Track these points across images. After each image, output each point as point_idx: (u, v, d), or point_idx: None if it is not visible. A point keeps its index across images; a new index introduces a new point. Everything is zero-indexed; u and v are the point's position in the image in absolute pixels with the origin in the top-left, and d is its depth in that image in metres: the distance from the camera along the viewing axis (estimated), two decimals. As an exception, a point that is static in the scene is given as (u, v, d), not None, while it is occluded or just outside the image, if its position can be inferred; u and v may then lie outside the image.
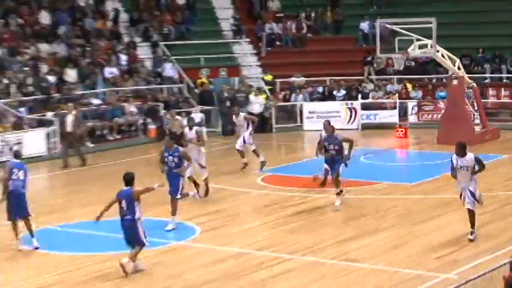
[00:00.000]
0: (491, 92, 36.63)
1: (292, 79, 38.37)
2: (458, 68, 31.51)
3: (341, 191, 20.83)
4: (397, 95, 36.31)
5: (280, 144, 34.07)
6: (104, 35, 38.26)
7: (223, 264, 16.60)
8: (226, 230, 19.42)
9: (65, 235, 19.29)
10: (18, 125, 30.80)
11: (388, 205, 21.31)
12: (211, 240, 18.45)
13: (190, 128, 22.81)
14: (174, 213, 19.23)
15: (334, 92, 37.02)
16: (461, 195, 17.40)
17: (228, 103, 35.39)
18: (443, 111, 33.15)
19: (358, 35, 41.18)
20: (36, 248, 17.62)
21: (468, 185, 17.17)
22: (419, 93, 36.68)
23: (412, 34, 30.60)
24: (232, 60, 39.80)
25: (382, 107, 36.03)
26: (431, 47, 30.48)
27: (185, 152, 19.67)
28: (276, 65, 39.24)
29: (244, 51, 40.53)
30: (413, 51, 31.00)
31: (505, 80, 37.76)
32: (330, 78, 37.91)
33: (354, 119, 35.59)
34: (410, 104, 35.81)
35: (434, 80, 38.14)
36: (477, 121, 32.62)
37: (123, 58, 37.30)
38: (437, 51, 30.71)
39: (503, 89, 36.73)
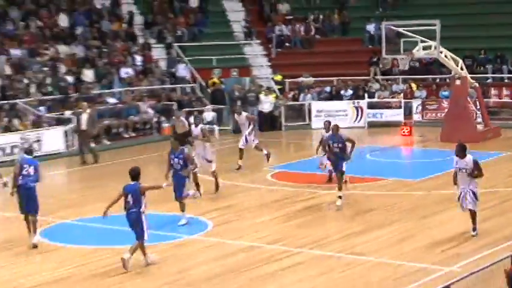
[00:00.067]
0: (493, 91, 36.52)
1: (301, 79, 38.32)
2: (461, 69, 31.44)
3: (339, 196, 20.40)
4: (402, 94, 36.23)
5: (289, 142, 34.02)
6: (119, 37, 38.29)
7: (234, 258, 16.57)
8: (237, 225, 19.39)
9: (81, 229, 19.29)
10: (37, 123, 30.85)
11: (393, 201, 21.26)
12: (222, 234, 18.42)
13: (196, 125, 22.90)
14: (182, 209, 19.16)
15: (342, 92, 36.97)
16: (459, 196, 17.24)
17: (239, 102, 35.35)
18: (446, 110, 33.04)
19: (364, 37, 41.10)
20: (35, 247, 17.37)
21: (467, 186, 17.01)
22: (424, 93, 36.59)
23: (416, 36, 30.58)
24: (243, 61, 39.77)
25: (387, 106, 35.97)
26: (435, 48, 30.42)
27: (189, 155, 19.59)
28: (285, 66, 39.20)
29: (254, 52, 40.50)
30: (418, 52, 30.96)
31: (506, 80, 37.66)
32: (337, 78, 37.87)
33: (361, 117, 35.52)
34: (415, 103, 35.72)
35: (438, 80, 38.03)
36: (479, 119, 32.52)
37: (138, 59, 37.31)
38: (441, 52, 30.64)
39: (504, 88, 36.63)
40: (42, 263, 16.62)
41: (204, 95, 36.85)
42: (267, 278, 15.20)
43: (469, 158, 16.97)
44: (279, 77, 38.43)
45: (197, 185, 21.44)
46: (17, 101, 31.53)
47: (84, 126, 28.64)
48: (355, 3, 43.59)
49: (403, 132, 32.98)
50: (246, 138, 26.00)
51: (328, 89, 37.58)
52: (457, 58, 31.56)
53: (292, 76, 38.42)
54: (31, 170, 17.54)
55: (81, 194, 23.49)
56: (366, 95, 36.22)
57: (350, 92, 36.77)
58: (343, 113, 35.53)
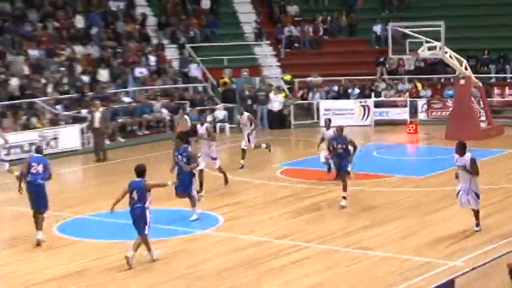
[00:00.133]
0: (496, 91, 36.42)
1: (310, 79, 38.27)
2: (465, 68, 31.38)
3: (344, 197, 20.22)
4: (407, 93, 36.16)
5: (298, 140, 33.98)
6: (134, 38, 38.30)
7: (244, 252, 16.57)
8: (247, 220, 19.38)
9: (96, 224, 19.30)
10: (54, 121, 30.91)
11: (399, 197, 21.22)
12: (233, 230, 18.42)
13: (201, 124, 22.81)
14: (194, 205, 19.08)
15: (349, 91, 36.94)
16: (458, 193, 17.16)
17: (249, 101, 35.40)
18: (451, 108, 33.01)
19: (371, 38, 40.99)
20: (38, 244, 17.22)
21: (468, 185, 16.92)
22: (429, 92, 36.51)
23: (422, 37, 30.50)
24: (254, 61, 39.72)
25: (393, 104, 35.90)
26: (440, 48, 30.35)
27: (193, 153, 19.42)
28: (294, 66, 39.16)
29: (264, 52, 40.44)
30: (423, 52, 30.89)
31: (509, 80, 37.53)
32: (344, 77, 37.82)
33: (368, 116, 35.48)
34: (420, 102, 35.67)
35: (442, 80, 37.94)
36: (483, 118, 32.43)
37: (152, 59, 37.32)
38: (446, 53, 30.58)
39: (507, 88, 36.52)
40: (58, 256, 16.63)
41: (216, 94, 36.84)
42: (275, 272, 15.18)
43: (467, 155, 16.90)
44: (288, 77, 38.39)
45: (201, 184, 21.40)
46: (35, 99, 31.58)
47: (97, 124, 28.70)
48: (362, 5, 43.49)
49: (409, 130, 32.94)
50: (248, 139, 25.89)
51: (336, 88, 37.53)
52: (461, 58, 31.50)
53: (301, 76, 38.39)
54: (40, 168, 17.31)
55: (96, 190, 23.51)
56: (373, 94, 36.16)
57: (357, 91, 36.74)
58: (350, 112, 35.53)
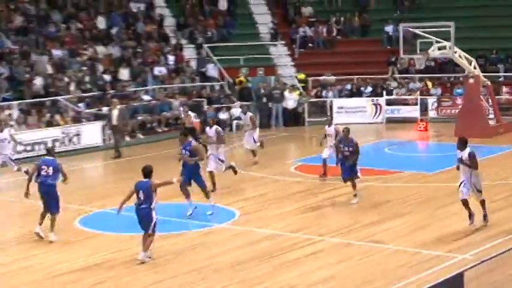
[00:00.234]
0: (504, 89, 36.20)
1: (323, 77, 38.16)
2: (474, 68, 31.25)
3: (355, 195, 20.11)
4: (418, 92, 36.02)
5: (312, 136, 33.73)
6: (153, 38, 38.31)
7: (259, 245, 16.53)
8: (262, 214, 19.34)
9: (117, 217, 19.25)
10: (77, 119, 30.97)
11: (409, 192, 21.13)
12: (248, 223, 18.39)
13: (211, 126, 22.20)
14: (207, 197, 19.01)
15: (361, 89, 36.81)
16: (459, 185, 16.93)
17: (264, 99, 35.34)
18: (460, 106, 32.84)
19: (383, 38, 40.82)
20: (51, 241, 17.06)
21: (468, 178, 16.76)
22: (439, 90, 36.36)
23: (432, 37, 30.37)
24: (269, 61, 39.62)
25: (404, 102, 35.78)
26: (449, 48, 30.22)
27: (196, 146, 19.20)
28: (308, 65, 39.08)
29: (279, 52, 40.36)
30: (433, 52, 30.76)
31: (517, 78, 37.36)
32: (357, 76, 37.70)
33: (379, 113, 35.37)
34: (431, 100, 35.50)
35: (452, 79, 37.75)
36: (491, 116, 32.25)
37: (171, 58, 37.30)
38: (455, 52, 30.43)
39: (515, 86, 36.36)
40: (80, 249, 16.65)
41: (232, 92, 36.78)
42: (289, 265, 15.14)
43: (466, 150, 16.83)
44: (302, 76, 38.31)
45: (214, 184, 21.21)
46: (58, 98, 31.64)
47: (115, 122, 28.73)
48: (374, 6, 43.32)
49: (419, 127, 32.82)
50: (254, 139, 25.72)
51: (348, 86, 37.41)
52: (471, 58, 31.36)
53: (314, 75, 38.30)
54: (50, 171, 17.05)
55: (117, 185, 23.48)
56: (384, 93, 36.05)
57: (369, 89, 36.61)
58: (362, 110, 35.47)
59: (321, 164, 22.72)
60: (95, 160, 28.46)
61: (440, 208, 19.10)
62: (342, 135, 20.76)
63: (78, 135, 29.74)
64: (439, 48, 30.54)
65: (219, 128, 22.27)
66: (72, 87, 32.50)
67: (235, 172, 22.15)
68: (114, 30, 37.44)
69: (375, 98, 35.76)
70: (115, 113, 28.74)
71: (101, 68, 34.60)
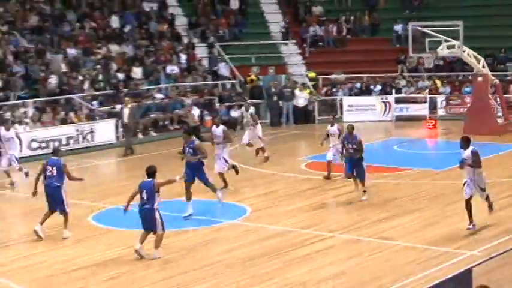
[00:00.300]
0: (512, 88, 36.11)
1: (333, 76, 38.11)
2: (483, 66, 31.14)
3: (364, 191, 20.01)
4: (427, 90, 35.93)
5: (322, 134, 33.72)
6: (166, 37, 38.34)
7: (270, 241, 16.54)
8: (273, 210, 19.35)
9: (130, 214, 19.25)
10: (90, 117, 31.04)
11: (418, 189, 21.10)
12: (259, 220, 18.40)
13: (217, 126, 21.99)
14: (214, 190, 18.98)
15: (371, 88, 36.75)
16: (464, 184, 16.73)
17: (275, 97, 35.32)
18: (469, 105, 32.74)
19: (392, 37, 40.76)
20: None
21: (472, 177, 16.53)
22: (448, 89, 36.26)
23: (441, 36, 30.28)
24: (280, 59, 39.62)
25: (414, 101, 35.68)
26: (458, 47, 30.14)
27: (199, 145, 18.93)
28: (318, 64, 39.03)
29: (290, 51, 40.34)
30: (442, 51, 30.67)
31: (525, 77, 37.20)
32: (367, 75, 37.63)
33: (389, 111, 35.31)
34: (439, 99, 35.40)
35: (461, 77, 37.62)
36: (500, 114, 32.13)
37: (183, 57, 37.32)
38: (464, 51, 30.36)
39: (523, 85, 36.19)
40: (94, 244, 16.71)
41: (243, 90, 36.79)
42: (299, 261, 15.14)
43: (469, 149, 16.60)
44: (312, 74, 38.27)
45: (225, 181, 21.16)
46: (72, 96, 31.73)
47: (126, 120, 28.77)
48: (384, 5, 43.24)
49: (428, 125, 32.77)
50: (259, 136, 25.59)
51: (358, 85, 37.35)
52: (479, 56, 31.25)
53: (325, 73, 38.24)
54: (54, 171, 16.99)
55: (130, 182, 23.41)
56: (394, 91, 35.99)
57: (379, 88, 36.56)
58: (372, 108, 35.43)
59: (326, 165, 22.65)
60: (108, 157, 28.50)
61: (449, 205, 19.04)
62: (346, 132, 20.63)
63: (91, 132, 29.81)
64: (448, 47, 30.46)
65: (226, 128, 22.16)
66: (86, 85, 32.57)
67: (237, 172, 21.98)
68: (127, 29, 37.49)
69: (385, 96, 35.70)
70: (126, 111, 28.80)
71: (114, 66, 34.65)
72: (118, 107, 30.91)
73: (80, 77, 32.83)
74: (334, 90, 37.00)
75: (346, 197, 20.40)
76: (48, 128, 29.15)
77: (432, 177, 22.56)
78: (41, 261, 15.72)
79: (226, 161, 21.39)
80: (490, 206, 17.06)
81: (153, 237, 15.56)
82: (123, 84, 33.63)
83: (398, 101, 35.50)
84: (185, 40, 38.97)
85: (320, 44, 41.07)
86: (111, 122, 30.54)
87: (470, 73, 34.88)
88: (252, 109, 27.41)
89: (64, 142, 28.79)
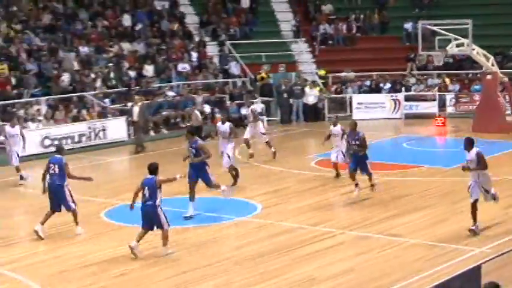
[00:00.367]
0: (522, 85, 35.95)
1: (343, 74, 38.06)
2: (492, 64, 31.03)
3: (373, 185, 19.91)
4: (436, 88, 35.84)
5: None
6: (177, 35, 38.35)
7: (279, 238, 16.52)
8: (283, 207, 19.33)
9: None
10: (102, 114, 31.08)
11: (427, 186, 21.04)
12: (270, 216, 18.38)
13: (223, 122, 22.02)
14: (218, 187, 18.71)
15: (381, 85, 36.67)
16: (469, 187, 16.49)
17: (285, 95, 35.28)
18: (478, 102, 32.63)
19: (402, 35, 40.66)
20: (77, 234, 17.11)
21: (477, 178, 16.23)
22: (457, 87, 36.13)
23: (450, 34, 30.19)
24: (290, 57, 39.59)
25: (423, 98, 35.57)
26: (467, 45, 30.05)
27: (202, 145, 18.69)
28: (328, 62, 38.98)
29: (300, 49, 40.30)
30: (452, 49, 30.59)
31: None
32: (376, 73, 37.54)
33: (398, 109, 35.23)
34: (449, 96, 35.29)
35: (470, 75, 37.47)
36: (508, 112, 32.03)
37: (194, 55, 37.34)
38: (473, 49, 30.26)
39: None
40: (106, 241, 16.73)
41: (254, 88, 36.76)
42: (309, 257, 15.12)
43: (473, 151, 16.27)
44: (322, 72, 38.23)
45: (233, 177, 21.10)
46: (85, 93, 31.79)
47: (135, 118, 28.78)
48: (393, 3, 43.13)
49: (437, 123, 32.68)
50: (261, 132, 25.47)
51: (368, 83, 37.29)
52: (488, 55, 31.16)
53: (334, 71, 38.19)
54: (56, 169, 16.95)
55: (142, 178, 23.51)
56: (403, 89, 35.91)
57: (388, 85, 36.48)
58: (381, 105, 35.35)
59: (332, 166, 22.52)
60: (121, 154, 28.53)
61: (458, 202, 18.95)
62: (349, 129, 20.43)
63: (104, 130, 29.84)
64: (457, 45, 30.38)
65: (232, 124, 22.13)
66: (98, 83, 32.63)
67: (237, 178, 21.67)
68: (139, 28, 37.53)
69: (394, 94, 35.62)
70: (135, 109, 28.81)
71: (126, 64, 34.71)
72: (129, 104, 30.95)
73: (92, 75, 32.89)
74: (344, 87, 36.94)
75: (356, 194, 20.31)
76: (61, 126, 29.20)
77: (442, 175, 22.49)
78: (54, 257, 15.76)
79: (229, 157, 21.28)
80: (494, 197, 16.66)
81: (149, 236, 15.47)
82: (135, 82, 33.68)
83: (407, 98, 35.42)
84: (196, 38, 38.98)
85: (330, 42, 41.03)
86: (122, 120, 30.56)
87: (479, 71, 34.75)
88: (255, 106, 27.24)
89: (76, 139, 28.88)
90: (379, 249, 15.48)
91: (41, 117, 29.35)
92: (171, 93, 34.18)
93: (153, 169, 15.54)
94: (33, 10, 36.00)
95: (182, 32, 38.81)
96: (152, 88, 33.80)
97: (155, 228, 15.45)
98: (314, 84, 36.23)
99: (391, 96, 35.57)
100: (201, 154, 18.30)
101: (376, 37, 41.52)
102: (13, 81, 31.11)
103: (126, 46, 35.89)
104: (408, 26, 40.00)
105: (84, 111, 30.65)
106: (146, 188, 15.34)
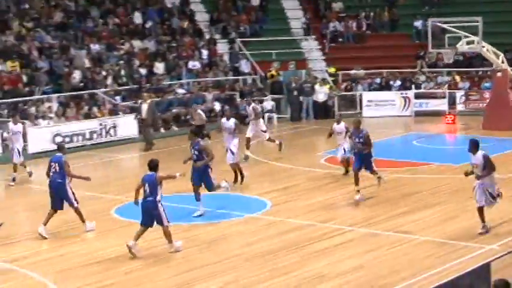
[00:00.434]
0: (532, 83, 35.76)
1: (353, 71, 37.95)
2: (502, 62, 30.89)
3: (379, 177, 19.61)
4: (446, 85, 35.69)
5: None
6: (187, 33, 38.32)
7: (289, 235, 16.45)
8: (293, 205, 19.26)
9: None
10: (113, 111, 31.08)
11: (437, 184, 20.93)
12: (280, 214, 18.32)
13: (228, 119, 21.95)
14: (218, 188, 18.50)
15: (391, 83, 36.54)
16: (473, 189, 16.16)
17: (295, 92, 35.19)
18: (488, 100, 32.48)
19: (412, 32, 40.52)
20: (88, 231, 17.05)
21: (482, 184, 15.85)
22: (467, 84, 35.96)
23: (460, 31, 30.04)
24: (300, 55, 39.52)
25: (433, 96, 35.44)
26: (477, 43, 29.89)
27: (204, 146, 18.52)
28: (338, 59, 38.88)
29: (310, 47, 40.23)
30: (462, 46, 30.44)
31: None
32: (386, 70, 37.40)
33: (408, 106, 35.09)
34: (459, 94, 35.13)
35: (480, 73, 37.29)
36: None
37: (205, 53, 37.30)
38: (483, 47, 30.10)
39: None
40: (116, 237, 16.68)
41: (264, 86, 36.70)
42: (318, 254, 15.05)
43: (479, 154, 15.93)
44: (332, 70, 38.15)
45: (235, 174, 20.97)
46: (96, 91, 31.80)
47: (144, 115, 28.73)
48: (403, 1, 42.99)
49: (447, 120, 32.53)
50: (262, 130, 25.29)
51: (378, 80, 37.16)
52: (498, 52, 31.00)
53: (344, 68, 38.06)
54: (57, 167, 16.88)
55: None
56: (413, 86, 35.77)
57: (398, 83, 36.34)
58: (391, 103, 35.24)
59: (341, 163, 22.40)
60: (131, 151, 28.52)
61: (468, 199, 18.70)
62: (353, 127, 20.04)
63: (114, 127, 29.83)
64: (467, 43, 30.22)
65: (237, 121, 22.09)
66: (109, 80, 32.63)
67: (242, 177, 21.56)
68: (149, 25, 37.52)
69: (404, 92, 35.48)
70: (144, 107, 28.77)
71: (136, 62, 34.70)
72: (139, 102, 30.96)
73: (103, 72, 32.90)
74: (353, 85, 36.84)
75: (365, 191, 20.22)
76: (72, 123, 29.21)
77: (451, 172, 22.33)
78: (62, 254, 15.75)
79: (232, 153, 21.17)
80: (499, 196, 16.33)
81: (159, 232, 15.43)
82: (146, 79, 33.67)
83: (417, 96, 35.28)
84: (206, 36, 38.94)
85: (340, 39, 40.93)
86: (133, 117, 30.52)
87: (489, 68, 34.59)
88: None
89: (87, 136, 28.89)
90: (388, 247, 15.40)
91: (52, 115, 29.37)
92: (181, 91, 34.16)
93: (153, 166, 15.50)
94: (45, 8, 36.03)
95: (192, 30, 38.79)
96: (162, 85, 33.79)
97: (155, 224, 15.35)
98: (324, 81, 36.13)
99: (401, 93, 35.44)
100: (204, 156, 18.04)
101: (386, 35, 41.39)
102: (24, 78, 31.15)
103: (136, 44, 35.89)
104: (418, 23, 39.86)
105: (95, 109, 30.66)
106: (147, 184, 15.32)
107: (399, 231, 16.41)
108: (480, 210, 16.02)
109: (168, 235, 15.36)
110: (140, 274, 14.41)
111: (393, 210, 18.19)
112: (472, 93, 35.14)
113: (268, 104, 34.40)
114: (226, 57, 38.21)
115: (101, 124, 29.57)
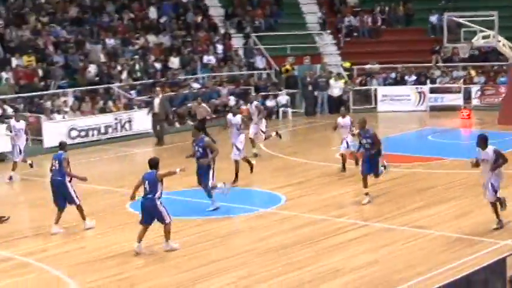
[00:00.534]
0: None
1: (368, 66, 37.83)
2: (518, 56, 30.72)
3: (384, 166, 18.97)
4: (462, 80, 35.51)
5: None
6: (203, 27, 38.30)
7: (303, 230, 16.39)
8: (307, 199, 19.20)
9: (166, 201, 19.18)
10: (128, 106, 31.11)
11: (453, 179, 20.80)
12: (294, 208, 18.26)
13: (234, 115, 21.84)
14: (209, 195, 17.99)
15: (406, 78, 36.40)
16: (483, 185, 16.02)
17: (310, 87, 35.12)
18: (503, 95, 32.29)
19: (427, 27, 40.34)
20: (87, 229, 16.93)
21: (489, 180, 15.70)
22: (482, 79, 35.77)
23: (476, 26, 29.88)
24: (315, 50, 39.45)
25: (448, 91, 35.25)
26: (493, 37, 29.74)
27: (208, 142, 18.12)
28: (353, 54, 38.79)
29: (325, 41, 40.13)
30: (477, 41, 30.33)
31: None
32: (401, 65, 37.25)
33: (423, 101, 34.95)
34: (474, 89, 34.94)
35: (495, 67, 37.07)
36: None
37: (219, 47, 37.28)
38: (499, 41, 29.93)
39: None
40: (131, 232, 16.59)
41: (279, 80, 36.64)
42: (332, 249, 14.98)
43: (489, 149, 15.69)
44: (347, 64, 38.06)
45: (236, 175, 20.75)
46: (111, 85, 31.84)
47: (156, 110, 28.69)
48: (418, -5, 42.87)
49: (463, 115, 32.37)
50: (261, 131, 24.84)
51: (393, 75, 37.03)
52: (514, 46, 30.84)
53: (359, 63, 37.98)
54: (57, 165, 16.82)
55: (168, 169, 23.44)
56: (428, 81, 35.63)
57: (413, 78, 36.20)
58: (407, 98, 35.10)
59: (352, 157, 22.22)
60: (146, 145, 28.52)
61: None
62: (359, 128, 19.43)
63: (129, 121, 29.87)
64: (483, 37, 30.09)
65: (243, 116, 22.00)
66: (124, 75, 32.67)
67: (252, 168, 21.47)
68: (164, 20, 37.53)
69: (419, 86, 35.34)
70: (156, 101, 28.74)
71: (152, 56, 34.72)
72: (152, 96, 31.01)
73: (119, 67, 32.94)
74: (368, 80, 36.72)
75: (381, 186, 20.13)
76: (87, 117, 29.25)
77: (466, 167, 22.15)
78: (78, 248, 15.78)
79: (238, 149, 21.04)
80: (502, 204, 16.06)
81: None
82: (161, 74, 33.68)
83: (432, 91, 35.13)
84: (221, 31, 38.91)
85: (355, 34, 40.84)
86: (146, 112, 30.50)
87: (505, 63, 34.38)
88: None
89: (103, 131, 28.95)
90: (403, 241, 15.31)
91: (67, 109, 29.44)
92: (196, 85, 34.16)
93: (153, 164, 15.44)
94: (61, 3, 36.10)
95: (207, 25, 38.77)
96: (178, 80, 33.80)
97: (156, 221, 15.22)
98: (339, 76, 36.05)
99: (416, 88, 35.30)
100: (208, 152, 17.77)
101: (401, 29, 41.24)
102: (40, 73, 31.24)
103: (152, 38, 35.91)
104: (433, 18, 39.67)
105: (110, 103, 30.70)
106: (146, 182, 15.22)
107: (414, 226, 16.32)
108: (494, 205, 15.89)
109: (168, 232, 15.22)
110: (155, 268, 14.40)
111: (408, 205, 18.09)
112: (487, 88, 34.95)
113: (283, 98, 34.35)
114: (241, 52, 38.18)
115: (116, 118, 29.61)
